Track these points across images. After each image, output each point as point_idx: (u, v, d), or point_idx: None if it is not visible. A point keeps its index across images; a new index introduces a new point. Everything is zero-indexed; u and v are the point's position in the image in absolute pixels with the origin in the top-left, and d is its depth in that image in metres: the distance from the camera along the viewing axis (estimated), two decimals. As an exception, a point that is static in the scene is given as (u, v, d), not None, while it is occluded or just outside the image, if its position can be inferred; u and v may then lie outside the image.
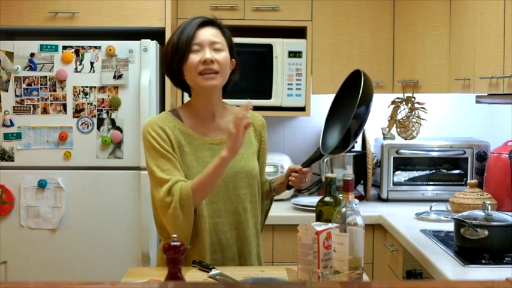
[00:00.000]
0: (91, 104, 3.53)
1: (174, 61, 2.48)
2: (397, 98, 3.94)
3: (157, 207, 2.44)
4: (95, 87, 3.52)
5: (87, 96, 3.52)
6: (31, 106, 3.52)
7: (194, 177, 2.39)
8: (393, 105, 3.95)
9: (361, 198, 3.88)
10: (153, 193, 2.45)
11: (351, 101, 2.47)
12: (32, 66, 3.52)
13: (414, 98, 3.91)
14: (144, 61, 3.50)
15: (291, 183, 2.56)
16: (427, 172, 3.91)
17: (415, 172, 3.92)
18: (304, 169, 2.55)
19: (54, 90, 3.52)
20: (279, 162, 3.84)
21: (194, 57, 2.45)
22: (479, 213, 2.68)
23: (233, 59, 2.58)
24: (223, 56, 2.49)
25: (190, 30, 2.47)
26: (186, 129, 2.50)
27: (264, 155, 2.65)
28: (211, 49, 2.47)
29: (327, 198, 2.40)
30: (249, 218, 2.53)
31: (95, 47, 3.52)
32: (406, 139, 3.91)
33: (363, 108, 2.47)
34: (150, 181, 2.47)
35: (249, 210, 2.53)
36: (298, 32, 3.94)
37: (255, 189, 2.55)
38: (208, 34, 2.48)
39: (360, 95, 2.43)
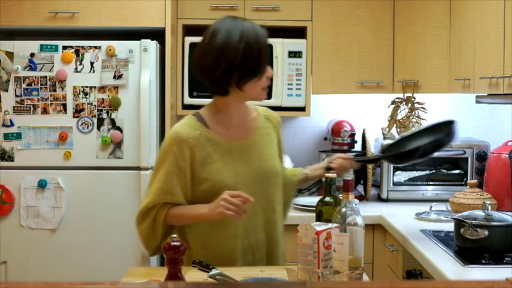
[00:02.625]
0: (91, 104, 3.53)
1: (243, 70, 2.42)
2: (397, 98, 3.94)
3: (137, 213, 2.50)
4: (95, 87, 3.52)
5: (87, 96, 3.52)
6: (31, 106, 3.52)
7: (224, 183, 2.40)
8: (393, 105, 3.95)
9: (361, 198, 3.88)
10: (143, 198, 2.51)
11: (435, 131, 2.69)
12: (32, 66, 3.52)
13: (414, 98, 3.91)
14: (144, 61, 3.50)
15: (333, 165, 2.63)
16: (427, 172, 3.91)
17: (415, 172, 3.92)
18: (352, 161, 2.65)
19: (54, 90, 3.52)
20: (279, 162, 3.84)
21: (269, 72, 2.50)
22: (479, 213, 2.68)
23: None
24: None
25: (265, 45, 2.49)
26: (212, 135, 2.47)
27: (281, 152, 2.67)
28: None
29: (327, 198, 2.40)
30: (278, 218, 2.55)
31: (95, 47, 3.52)
32: (406, 139, 3.91)
33: (441, 146, 2.68)
34: (148, 184, 2.50)
35: (277, 210, 2.55)
36: (298, 32, 3.94)
37: (281, 189, 2.58)
38: None
39: (443, 140, 2.66)
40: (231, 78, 2.42)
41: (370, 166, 3.82)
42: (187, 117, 2.52)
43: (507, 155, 3.43)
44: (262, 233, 2.50)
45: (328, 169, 2.65)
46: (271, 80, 2.54)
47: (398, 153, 2.71)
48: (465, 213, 2.75)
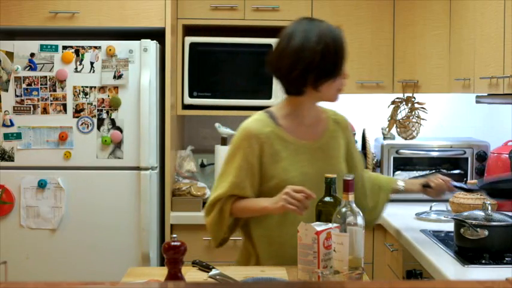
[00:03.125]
0: (91, 104, 3.52)
1: (320, 71, 2.44)
2: (397, 98, 3.94)
3: (206, 204, 2.54)
4: (95, 87, 3.52)
5: (87, 96, 3.52)
6: (31, 106, 3.52)
7: (290, 182, 2.41)
8: (393, 105, 3.95)
9: (361, 198, 3.87)
10: (212, 190, 2.54)
11: None
12: (32, 66, 3.52)
13: (414, 98, 3.90)
14: (144, 61, 3.50)
15: (432, 184, 2.71)
16: (427, 172, 3.91)
17: (415, 172, 3.92)
18: (451, 186, 2.72)
19: (54, 90, 3.52)
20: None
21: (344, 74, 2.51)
22: (479, 213, 2.68)
23: None
24: None
25: (342, 45, 2.51)
26: (283, 133, 2.50)
27: (354, 154, 2.67)
28: None
29: (327, 198, 2.40)
30: None
31: (95, 47, 3.52)
32: (406, 139, 3.91)
33: None
34: (218, 177, 2.53)
35: None
36: (298, 32, 3.93)
37: None
38: None
39: None
40: (307, 79, 2.45)
41: (370, 166, 3.82)
42: (259, 113, 2.56)
43: (507, 155, 3.43)
44: None
45: (426, 186, 2.73)
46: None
47: (499, 189, 2.77)
48: (465, 213, 2.75)
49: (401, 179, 2.85)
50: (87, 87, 3.53)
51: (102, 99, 3.52)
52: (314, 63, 2.42)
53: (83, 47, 3.52)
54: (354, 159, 2.66)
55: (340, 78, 2.50)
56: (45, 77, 3.52)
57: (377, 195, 2.71)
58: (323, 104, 2.62)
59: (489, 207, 2.68)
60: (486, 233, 2.59)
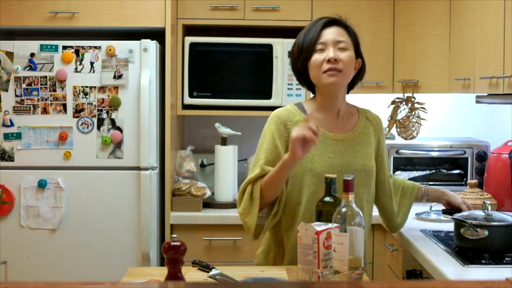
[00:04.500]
0: (91, 104, 3.53)
1: (299, 60, 2.55)
2: (397, 98, 3.94)
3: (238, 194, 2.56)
4: (95, 87, 3.52)
5: (87, 96, 3.52)
6: (31, 106, 3.52)
7: (316, 171, 2.47)
8: (393, 105, 3.95)
9: (361, 198, 3.87)
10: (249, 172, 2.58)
11: None
12: (32, 66, 3.52)
13: (414, 98, 3.91)
14: (144, 61, 3.50)
15: (464, 207, 2.81)
16: (427, 172, 3.91)
17: (415, 172, 3.92)
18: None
19: (54, 90, 3.52)
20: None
21: (318, 57, 2.52)
22: (479, 213, 2.68)
23: (359, 59, 2.62)
24: (348, 55, 2.53)
25: (315, 30, 2.54)
26: (311, 123, 2.50)
27: (383, 153, 2.69)
28: (335, 48, 2.52)
29: (327, 198, 2.40)
30: (364, 217, 2.54)
31: (95, 47, 3.52)
32: (406, 139, 3.91)
33: None
34: (250, 168, 2.58)
35: (365, 209, 2.57)
36: (298, 32, 3.93)
37: (372, 188, 2.62)
38: (332, 33, 2.54)
39: None
40: (299, 70, 2.56)
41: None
42: (289, 104, 2.63)
43: (507, 155, 3.43)
44: None
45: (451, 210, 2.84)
46: (343, 63, 2.52)
47: None
48: (465, 213, 2.75)
49: (425, 187, 2.86)
50: (87, 87, 3.53)
51: (102, 99, 3.52)
52: (294, 54, 2.56)
53: (83, 47, 3.52)
54: (384, 161, 2.69)
55: (318, 59, 2.51)
56: (45, 77, 3.52)
57: (401, 199, 2.75)
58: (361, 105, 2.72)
59: (489, 207, 2.68)
60: (486, 233, 2.59)
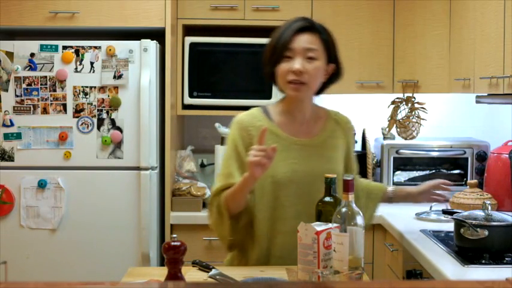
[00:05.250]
0: (91, 104, 3.53)
1: (269, 64, 2.50)
2: (397, 98, 3.94)
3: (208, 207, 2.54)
4: (95, 87, 3.52)
5: (87, 96, 3.52)
6: (31, 106, 3.52)
7: (278, 177, 2.42)
8: (393, 105, 3.95)
9: (361, 198, 3.87)
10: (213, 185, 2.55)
11: None
12: (32, 66, 3.52)
13: (414, 98, 3.90)
14: (144, 61, 3.50)
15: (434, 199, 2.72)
16: (427, 172, 3.91)
17: (415, 172, 3.92)
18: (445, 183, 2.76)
19: (54, 90, 3.52)
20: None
21: (285, 65, 2.46)
22: (479, 213, 2.68)
23: (333, 64, 2.54)
24: (315, 66, 2.46)
25: (287, 36, 2.47)
26: (274, 128, 2.50)
27: (351, 157, 2.63)
28: (303, 57, 2.45)
29: (327, 198, 2.39)
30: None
31: (95, 47, 3.52)
32: (406, 139, 3.91)
33: None
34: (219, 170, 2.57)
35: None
36: (298, 32, 3.93)
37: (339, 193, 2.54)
38: (303, 41, 2.46)
39: None
40: (268, 71, 2.52)
41: (370, 166, 3.82)
42: (254, 108, 2.58)
43: (507, 155, 3.43)
44: None
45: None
46: (308, 75, 2.45)
47: None
48: (465, 213, 2.75)
49: (392, 188, 2.81)
50: (87, 87, 3.53)
51: (102, 99, 3.52)
52: (266, 54, 2.52)
53: (83, 47, 3.52)
54: (351, 163, 2.64)
55: (284, 69, 2.46)
56: (45, 77, 3.52)
57: (366, 201, 2.67)
58: (331, 106, 2.65)
59: (489, 207, 2.68)
60: (486, 233, 2.59)
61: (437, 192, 2.80)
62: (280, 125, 2.51)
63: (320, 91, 2.58)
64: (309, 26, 2.49)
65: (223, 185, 2.45)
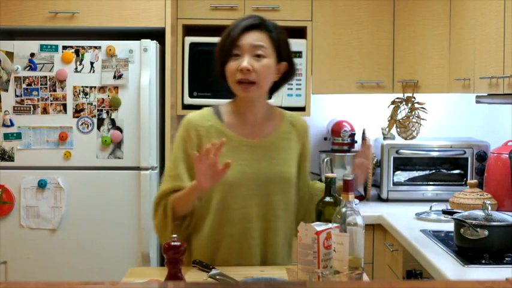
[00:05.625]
0: (91, 104, 3.53)
1: (219, 61, 2.46)
2: (397, 98, 3.94)
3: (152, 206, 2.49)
4: (95, 87, 3.52)
5: (87, 96, 3.52)
6: (31, 106, 3.52)
7: (227, 179, 2.32)
8: (393, 105, 3.95)
9: (361, 198, 3.87)
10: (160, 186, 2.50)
11: None
12: (32, 66, 3.52)
13: (414, 98, 3.90)
14: (144, 61, 3.50)
15: (357, 170, 2.51)
16: (427, 172, 3.91)
17: (415, 172, 3.92)
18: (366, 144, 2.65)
19: (54, 90, 3.52)
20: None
21: (233, 64, 2.41)
22: (479, 213, 2.68)
23: (284, 62, 2.46)
24: (263, 64, 2.39)
25: (235, 33, 2.42)
26: (224, 129, 2.44)
27: (306, 160, 2.57)
28: (252, 55, 2.39)
29: (327, 198, 2.39)
30: (279, 226, 2.46)
31: (95, 47, 3.52)
32: (406, 139, 3.91)
33: None
34: (166, 170, 2.51)
35: (281, 217, 2.46)
36: (298, 32, 3.94)
37: (290, 196, 2.48)
38: (251, 39, 2.40)
39: None
40: (219, 73, 2.49)
41: (370, 166, 3.82)
42: (204, 108, 2.53)
43: (507, 155, 3.44)
44: (258, 239, 2.44)
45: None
46: (257, 74, 2.38)
47: None
48: (465, 213, 2.75)
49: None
50: (87, 87, 3.53)
51: (102, 99, 3.52)
52: (216, 52, 2.48)
53: (83, 47, 3.52)
54: (305, 166, 2.57)
55: (233, 69, 2.41)
56: (45, 77, 3.52)
57: (311, 203, 2.56)
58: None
59: (489, 207, 2.68)
60: (486, 233, 2.59)
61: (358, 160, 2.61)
62: (229, 126, 2.45)
63: (273, 90, 2.52)
64: (257, 24, 2.43)
65: (171, 187, 2.40)
